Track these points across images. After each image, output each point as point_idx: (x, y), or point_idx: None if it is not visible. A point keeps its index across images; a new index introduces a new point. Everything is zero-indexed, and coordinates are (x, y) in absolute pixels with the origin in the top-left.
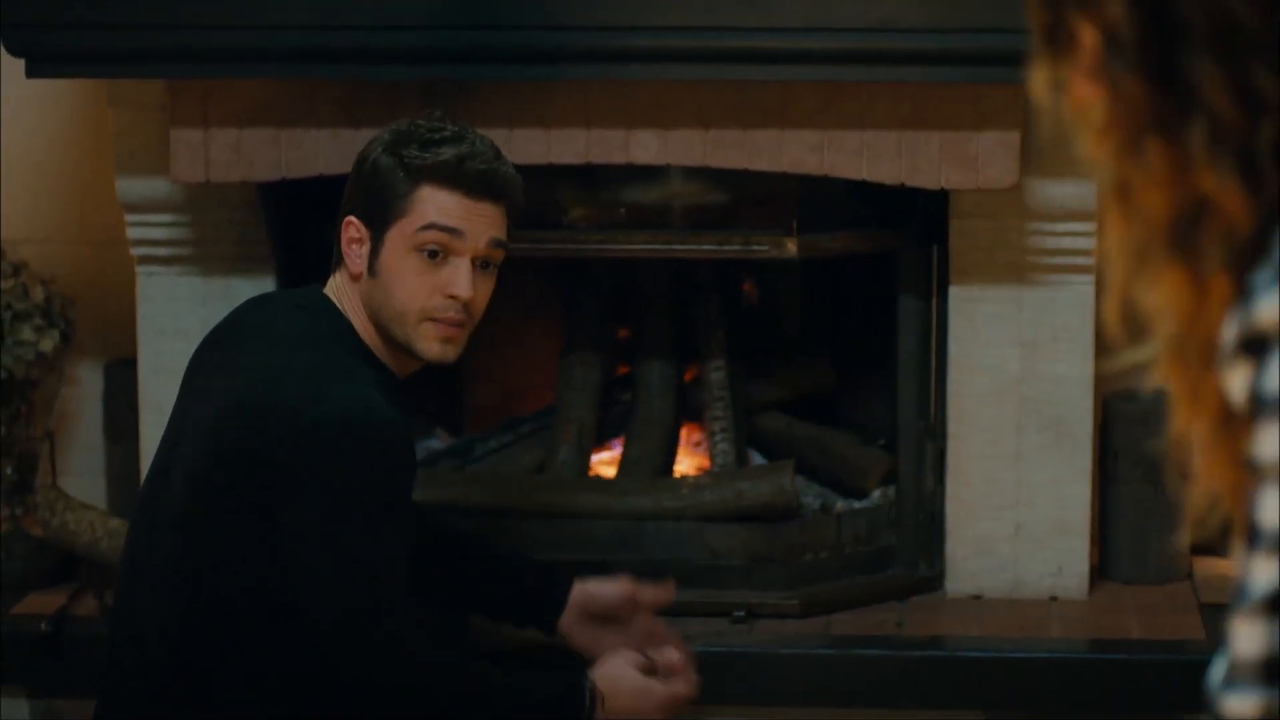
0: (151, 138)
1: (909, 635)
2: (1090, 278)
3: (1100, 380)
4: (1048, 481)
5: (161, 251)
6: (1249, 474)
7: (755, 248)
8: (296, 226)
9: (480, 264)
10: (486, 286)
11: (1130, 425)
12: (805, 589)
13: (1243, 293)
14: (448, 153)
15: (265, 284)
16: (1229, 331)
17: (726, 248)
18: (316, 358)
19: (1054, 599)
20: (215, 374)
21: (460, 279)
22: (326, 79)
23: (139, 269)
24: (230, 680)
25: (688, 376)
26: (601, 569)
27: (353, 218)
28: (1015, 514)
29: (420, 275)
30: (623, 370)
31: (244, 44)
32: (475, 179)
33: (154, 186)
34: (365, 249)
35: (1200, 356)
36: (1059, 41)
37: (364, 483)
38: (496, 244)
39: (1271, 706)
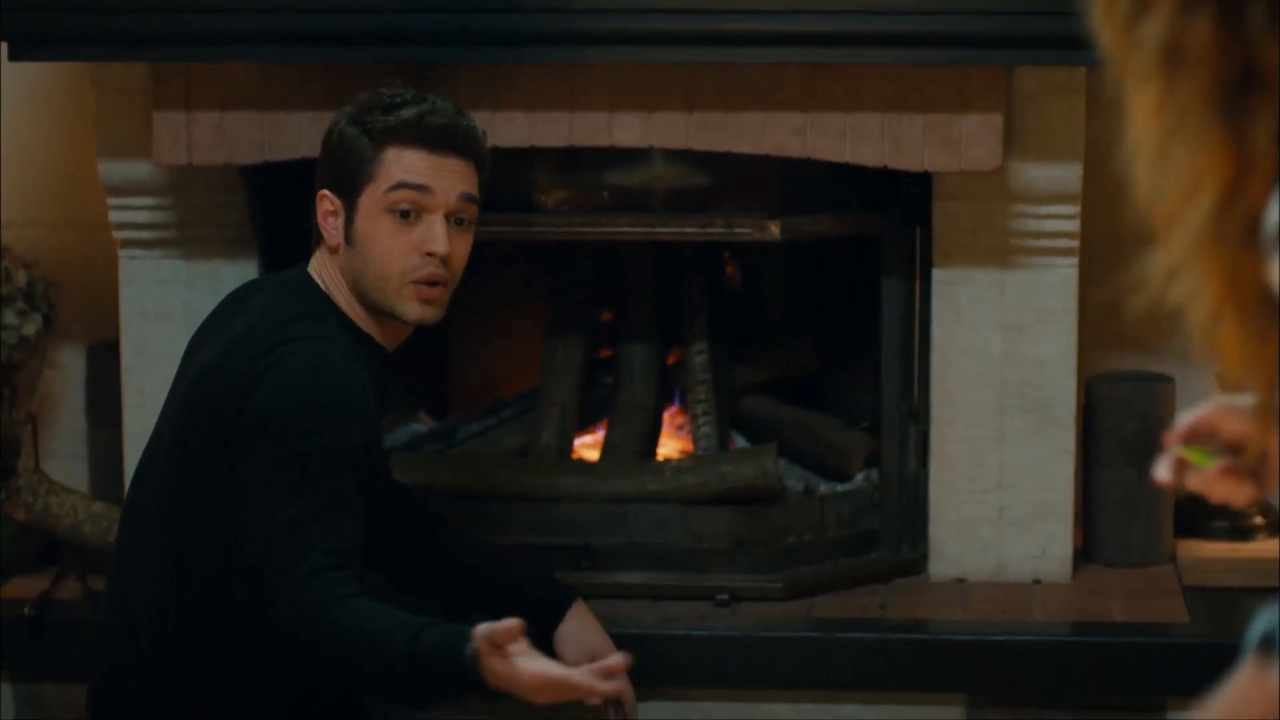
0: (134, 121)
1: (892, 618)
2: (1074, 260)
3: (1084, 363)
4: (1031, 464)
5: (144, 235)
6: None
7: (738, 230)
8: (279, 209)
9: (454, 220)
10: (463, 243)
11: (1114, 408)
12: (788, 572)
13: None
14: (408, 112)
15: (248, 267)
16: (1272, 217)
17: (709, 230)
18: (279, 325)
19: (1037, 582)
20: (200, 358)
21: (436, 235)
22: (309, 62)
23: (122, 252)
24: (227, 669)
25: (671, 359)
26: (585, 552)
27: (325, 190)
28: (998, 497)
29: (395, 237)
30: (606, 353)
31: (226, 27)
32: (437, 134)
33: (136, 169)
34: (340, 219)
35: (1238, 234)
36: None
37: (303, 441)
38: (467, 198)
39: None
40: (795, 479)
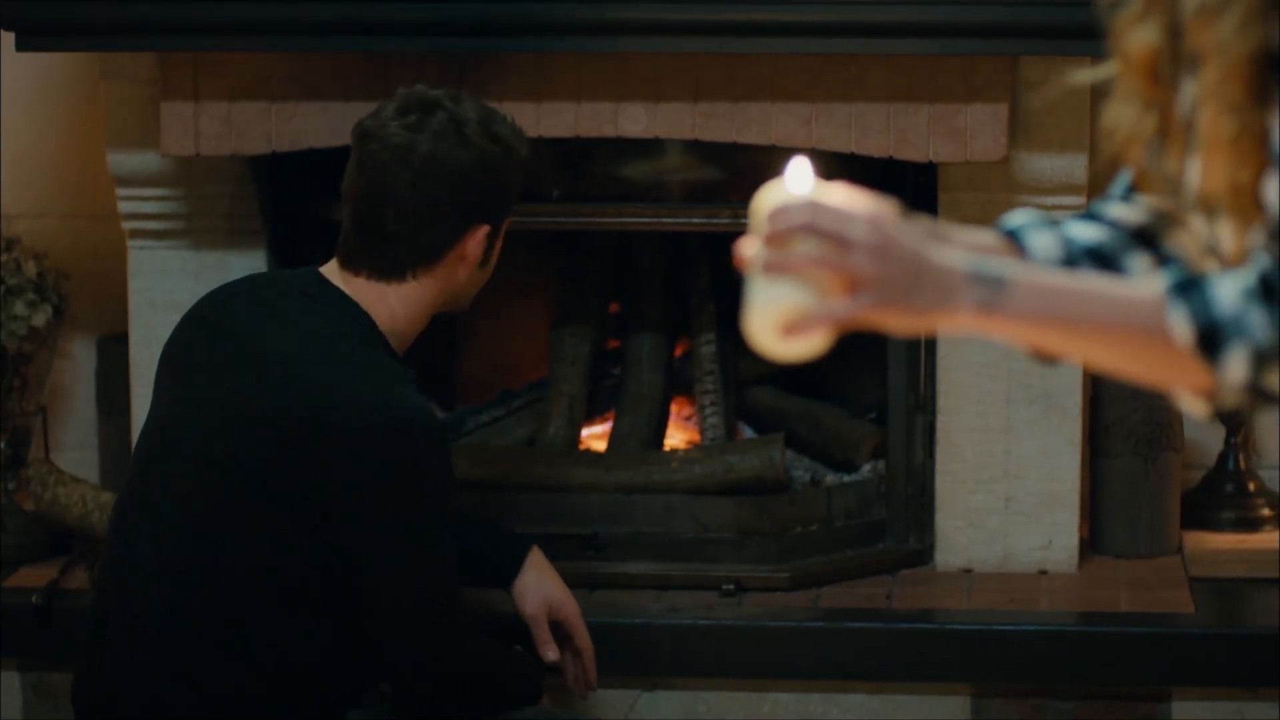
0: (142, 111)
1: (898, 608)
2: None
3: None
4: (1037, 455)
5: (152, 225)
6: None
7: (745, 220)
8: (287, 200)
9: None
10: None
11: (1120, 398)
12: (795, 562)
13: None
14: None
15: (256, 257)
16: None
17: (716, 220)
18: (361, 356)
19: (1044, 572)
20: (230, 364)
21: None
22: (317, 52)
23: (130, 243)
24: (233, 672)
25: (678, 350)
26: (592, 542)
27: (485, 224)
28: (1005, 487)
29: None
30: (613, 344)
31: (235, 17)
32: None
33: (145, 160)
34: (483, 245)
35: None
36: None
37: (431, 482)
38: None
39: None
40: (802, 469)
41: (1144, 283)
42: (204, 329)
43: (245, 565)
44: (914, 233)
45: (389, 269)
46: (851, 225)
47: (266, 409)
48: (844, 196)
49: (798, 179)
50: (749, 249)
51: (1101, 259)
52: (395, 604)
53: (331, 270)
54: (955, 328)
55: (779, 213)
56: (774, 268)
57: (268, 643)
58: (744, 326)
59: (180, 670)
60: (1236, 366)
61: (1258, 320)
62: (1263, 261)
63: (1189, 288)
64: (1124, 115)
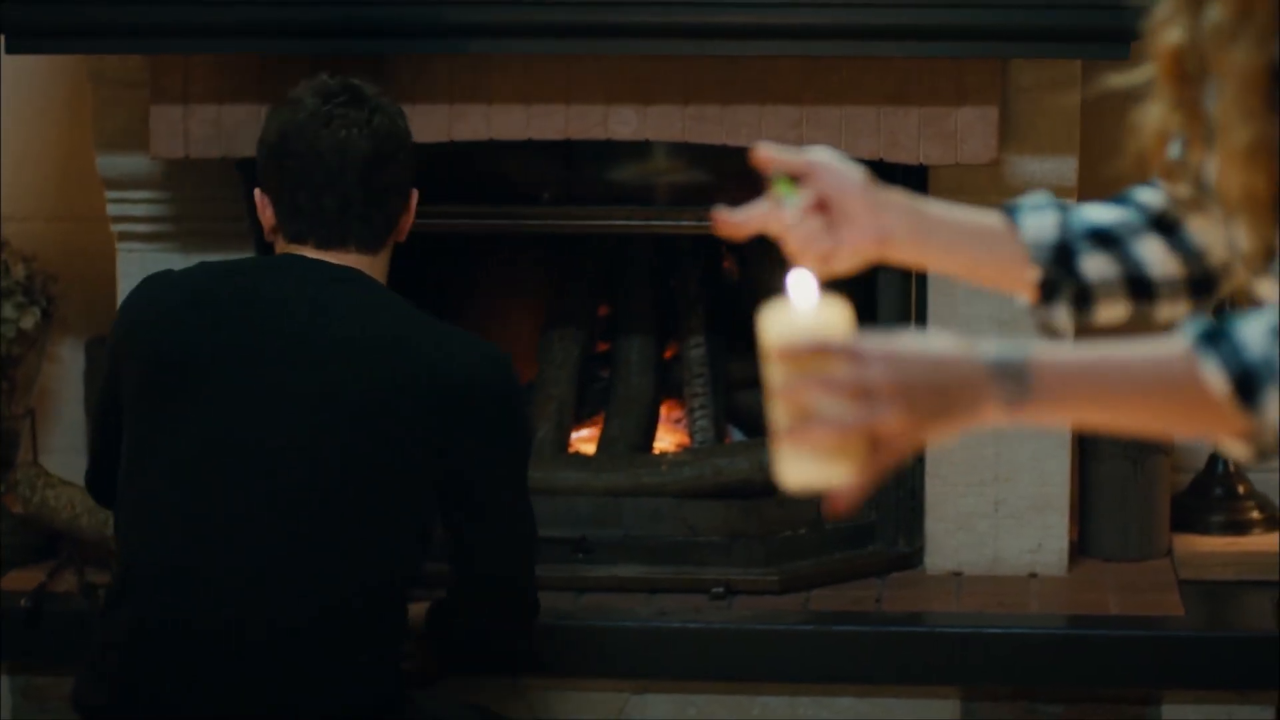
0: (131, 114)
1: (888, 611)
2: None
3: None
4: (1027, 458)
5: (141, 228)
6: None
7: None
8: None
9: None
10: None
11: None
12: (784, 565)
13: None
14: None
15: None
16: None
17: (705, 223)
18: (440, 323)
19: (1033, 575)
20: (309, 355)
21: None
22: (306, 54)
23: (119, 245)
24: (358, 675)
25: (668, 353)
26: (581, 545)
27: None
28: (995, 490)
29: None
30: (603, 347)
31: (224, 19)
32: None
33: (134, 163)
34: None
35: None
36: None
37: (529, 446)
38: None
39: None
40: None
41: (1167, 341)
42: (228, 327)
43: (371, 563)
44: (924, 346)
45: (373, 241)
46: (867, 369)
47: (388, 391)
48: (844, 317)
49: (800, 294)
50: (769, 378)
51: (1106, 240)
52: (508, 577)
53: (310, 251)
54: (988, 424)
55: (792, 367)
56: (799, 439)
57: (387, 637)
58: (774, 474)
59: (305, 679)
60: (1273, 410)
61: None
62: None
63: (1216, 337)
64: (1150, 112)
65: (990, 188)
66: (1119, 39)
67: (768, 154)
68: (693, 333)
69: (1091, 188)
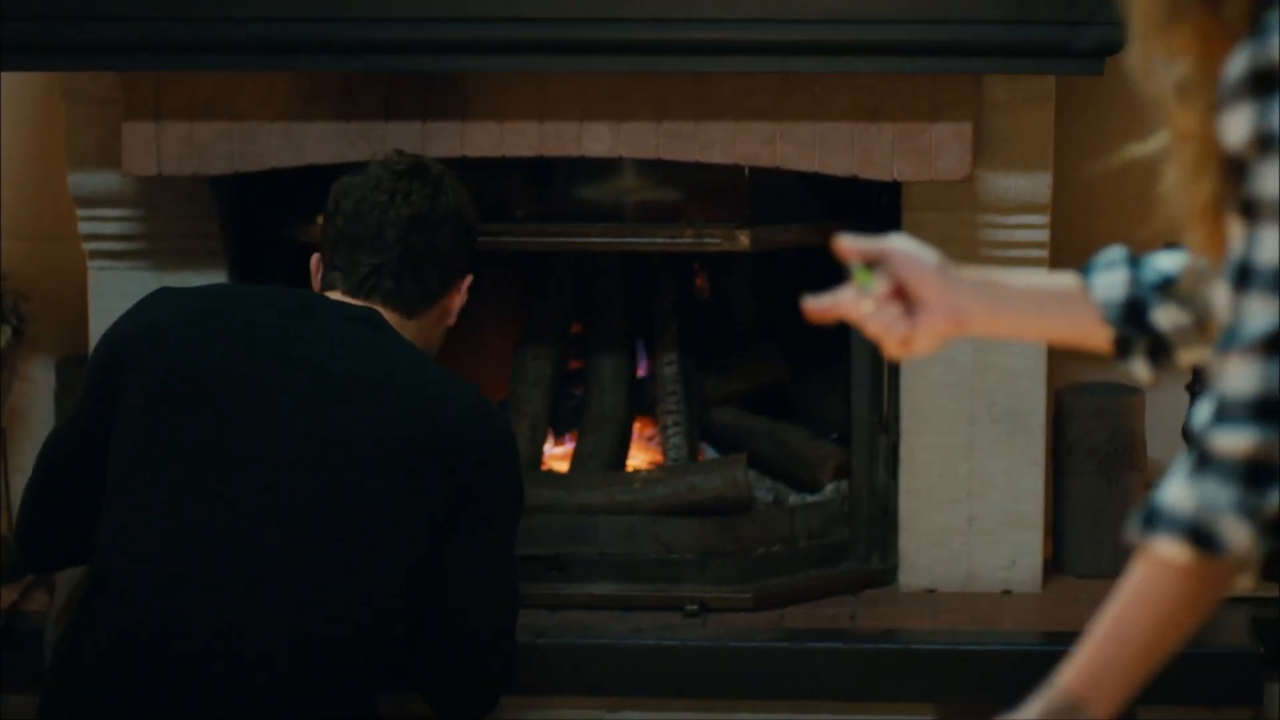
0: (103, 131)
1: (862, 628)
2: (1044, 270)
3: (1053, 373)
4: (1001, 475)
5: (113, 246)
6: (1247, 213)
7: (708, 240)
8: (248, 220)
9: None
10: None
11: (1083, 418)
12: (758, 583)
13: (1255, 30)
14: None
15: (217, 278)
16: (1236, 66)
17: (679, 240)
18: (454, 376)
19: (1007, 592)
20: (319, 388)
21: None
22: (279, 71)
23: (91, 264)
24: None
25: (641, 370)
26: (555, 562)
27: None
28: (968, 507)
29: None
30: (576, 364)
31: (196, 36)
32: None
33: (106, 180)
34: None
35: (1209, 98)
36: None
37: (521, 503)
38: None
39: (1262, 443)
40: (765, 490)
41: (1134, 568)
42: (237, 347)
43: (357, 591)
44: None
45: (401, 304)
46: None
47: (387, 427)
48: None
49: None
50: None
51: (1173, 288)
52: (480, 632)
53: (336, 295)
54: None
55: None
56: None
57: (366, 668)
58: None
59: (287, 692)
60: (1236, 538)
61: (1213, 492)
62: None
63: (1151, 518)
64: (1175, 182)
65: (964, 203)
66: (1093, 55)
67: (847, 244)
68: (666, 350)
69: (1064, 203)
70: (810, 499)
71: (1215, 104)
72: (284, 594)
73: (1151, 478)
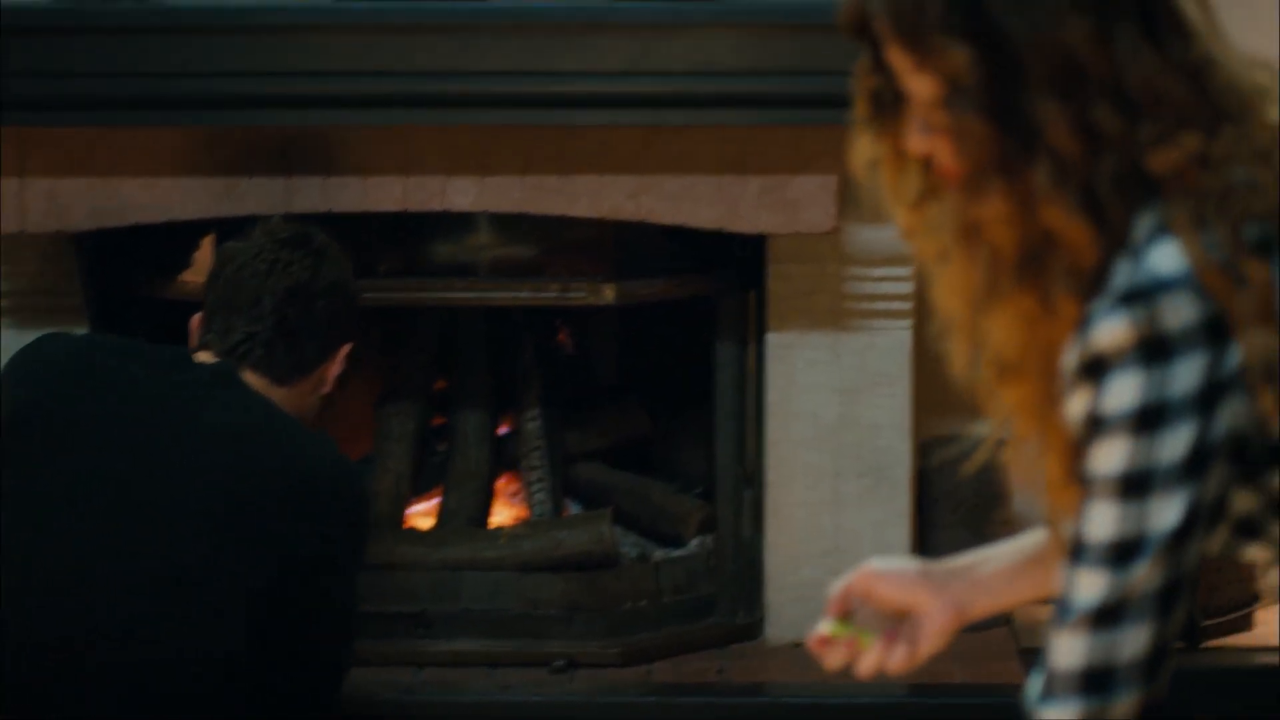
0: None
1: (730, 682)
2: (908, 323)
3: (919, 425)
4: (867, 527)
5: None
6: (1081, 489)
7: (572, 294)
8: (109, 276)
9: None
10: None
11: (949, 471)
12: (625, 638)
13: (1082, 322)
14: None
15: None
16: (1069, 359)
17: (543, 294)
18: (312, 431)
19: None
20: (178, 439)
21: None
22: (143, 126)
23: None
24: None
25: (504, 426)
26: (420, 619)
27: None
28: (835, 560)
29: None
30: (439, 420)
31: (58, 92)
32: None
33: None
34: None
35: (1047, 381)
36: (885, 105)
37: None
38: None
39: (1089, 716)
40: (630, 545)
41: None
42: (104, 398)
43: (212, 625)
44: None
45: (273, 371)
46: None
47: (243, 475)
48: None
49: None
50: None
51: None
52: (315, 684)
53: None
54: None
55: None
56: None
57: (224, 701)
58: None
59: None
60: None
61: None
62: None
63: None
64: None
65: (830, 256)
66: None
67: (831, 601)
68: (529, 405)
69: None
70: (675, 554)
71: (1044, 384)
72: (139, 628)
73: (1018, 529)
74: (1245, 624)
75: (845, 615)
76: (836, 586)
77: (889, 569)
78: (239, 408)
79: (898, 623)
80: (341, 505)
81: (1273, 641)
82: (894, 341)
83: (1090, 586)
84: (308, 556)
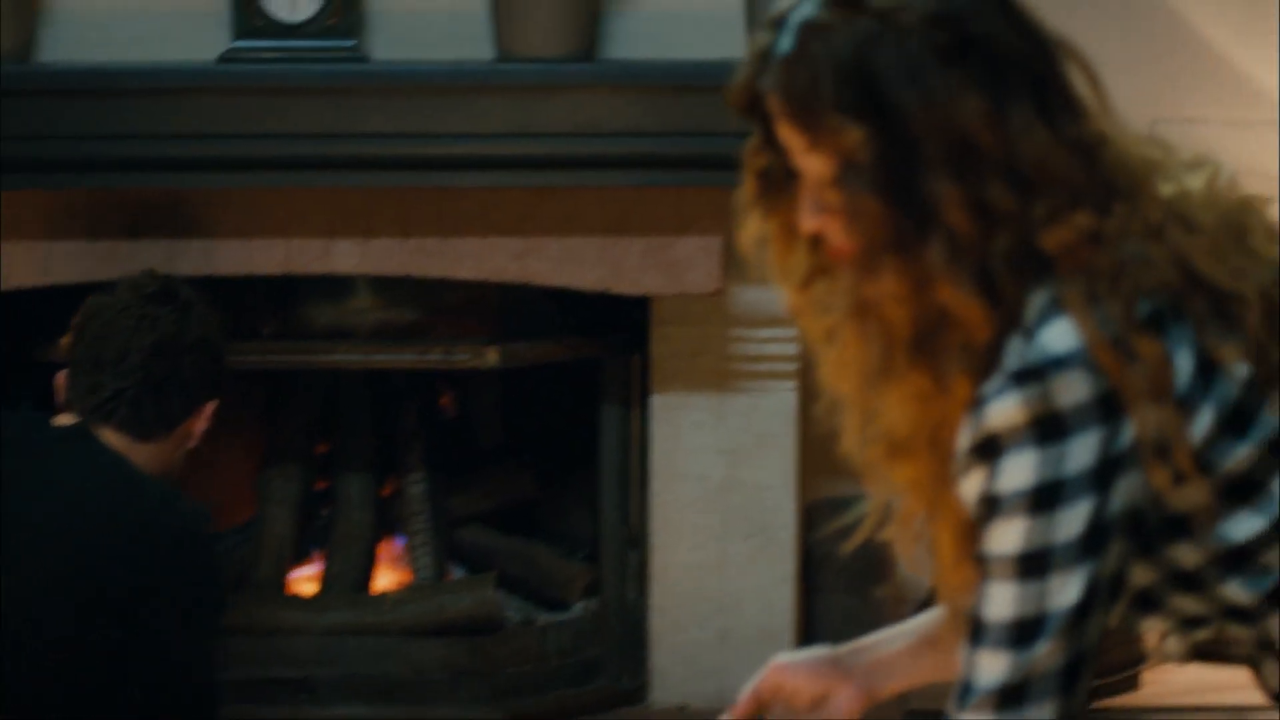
0: None
1: None
2: (793, 384)
3: (805, 487)
4: (753, 589)
5: None
6: (976, 568)
7: (456, 357)
8: None
9: None
10: None
11: (833, 533)
12: (510, 702)
13: (975, 401)
14: None
15: None
16: (963, 439)
17: (427, 357)
18: (158, 482)
19: None
20: (18, 511)
21: None
22: (24, 190)
23: None
24: None
25: (388, 489)
26: (304, 685)
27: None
28: (721, 622)
29: None
30: (322, 484)
31: None
32: None
33: None
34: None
35: (939, 460)
36: (775, 183)
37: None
38: None
39: None
40: (514, 609)
41: None
42: None
43: (67, 679)
44: None
45: (138, 429)
46: None
47: (92, 534)
48: None
49: None
50: None
51: None
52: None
53: (67, 419)
54: None
55: None
56: None
57: None
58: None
59: None
60: None
61: None
62: None
63: None
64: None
65: (714, 317)
66: None
67: (741, 704)
68: (413, 469)
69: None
70: (561, 617)
71: (935, 463)
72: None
73: (903, 592)
74: (1132, 684)
75: (755, 716)
76: (745, 689)
77: (796, 661)
78: (85, 465)
79: (809, 712)
80: (184, 553)
81: (1159, 702)
82: (779, 403)
83: (992, 667)
84: (154, 609)
